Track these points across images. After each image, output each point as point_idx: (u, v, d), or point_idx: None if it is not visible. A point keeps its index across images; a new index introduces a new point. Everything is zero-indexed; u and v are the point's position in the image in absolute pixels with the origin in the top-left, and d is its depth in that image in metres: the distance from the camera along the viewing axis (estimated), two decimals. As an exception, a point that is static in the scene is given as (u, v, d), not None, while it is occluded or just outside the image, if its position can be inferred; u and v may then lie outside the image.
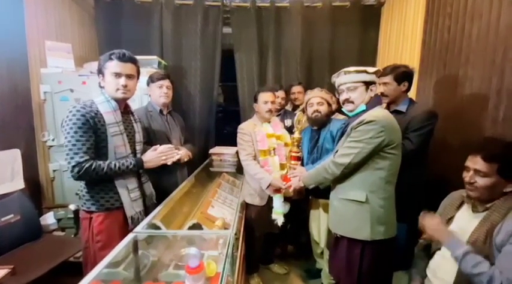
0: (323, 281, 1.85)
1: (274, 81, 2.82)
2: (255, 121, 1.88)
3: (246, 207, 1.95)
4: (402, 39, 2.33)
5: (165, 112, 1.90)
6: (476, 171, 1.00)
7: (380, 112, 1.18)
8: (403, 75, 1.56)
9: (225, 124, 3.76)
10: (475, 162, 1.00)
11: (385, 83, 1.55)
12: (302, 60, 2.81)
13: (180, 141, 1.95)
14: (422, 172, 1.56)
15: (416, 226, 1.38)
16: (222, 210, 1.72)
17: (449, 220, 1.19)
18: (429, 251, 1.24)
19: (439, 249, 1.18)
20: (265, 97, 1.80)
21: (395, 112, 1.53)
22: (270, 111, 1.81)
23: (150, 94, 1.92)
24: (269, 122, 1.87)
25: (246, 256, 1.93)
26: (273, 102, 1.83)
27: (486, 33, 1.49)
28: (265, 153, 1.77)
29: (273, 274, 2.10)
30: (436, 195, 1.35)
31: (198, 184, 2.10)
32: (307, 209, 1.91)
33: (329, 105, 1.76)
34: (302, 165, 1.71)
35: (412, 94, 2.14)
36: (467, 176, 1.03)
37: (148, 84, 1.89)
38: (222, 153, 2.47)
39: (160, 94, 1.82)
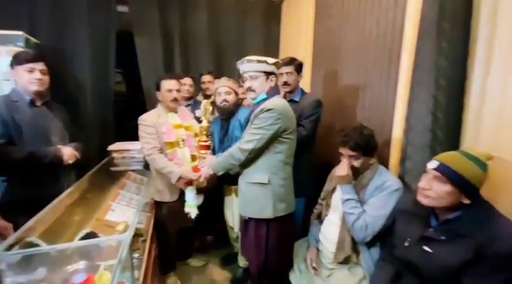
0: (239, 264, 1.94)
1: (182, 70, 2.67)
2: (159, 111, 1.73)
3: (155, 205, 1.80)
4: (299, 35, 2.60)
5: (38, 102, 1.51)
6: (350, 157, 1.27)
7: (278, 101, 1.28)
8: (300, 66, 1.74)
9: (129, 116, 3.33)
10: (347, 151, 1.27)
11: (288, 73, 1.69)
12: (212, 49, 2.76)
13: (63, 139, 1.60)
14: (313, 152, 1.81)
15: (312, 199, 1.61)
16: (126, 213, 1.53)
17: (333, 190, 1.44)
18: (320, 218, 1.47)
19: (327, 216, 1.41)
20: (168, 85, 1.67)
21: (291, 102, 1.71)
22: (176, 100, 1.70)
23: (15, 80, 1.48)
24: (176, 112, 1.76)
25: (160, 256, 1.81)
26: (178, 90, 1.72)
27: (355, 35, 1.82)
28: (173, 145, 1.67)
29: (191, 268, 2.05)
30: (324, 171, 1.60)
31: (93, 188, 1.79)
32: (222, 197, 1.94)
33: (236, 94, 1.79)
34: (215, 154, 1.70)
35: (306, 85, 2.43)
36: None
37: (12, 67, 1.45)
38: (125, 149, 2.19)
39: (30, 80, 1.43)
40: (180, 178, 1.58)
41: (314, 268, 1.33)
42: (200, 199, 1.74)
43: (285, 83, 1.69)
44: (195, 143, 1.66)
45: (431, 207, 0.95)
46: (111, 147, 2.16)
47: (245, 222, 1.40)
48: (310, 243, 1.45)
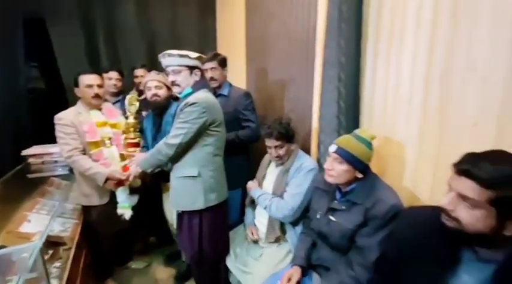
0: (184, 259, 1.94)
1: (112, 63, 2.48)
2: (78, 108, 1.59)
3: (83, 210, 1.68)
4: (234, 28, 2.64)
5: None
6: (275, 147, 1.40)
7: (202, 95, 1.31)
8: (224, 61, 1.78)
9: (50, 116, 2.96)
10: (273, 142, 1.39)
11: (212, 68, 1.72)
12: (143, 41, 2.62)
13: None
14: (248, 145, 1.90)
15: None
16: (46, 223, 1.40)
17: (265, 176, 1.56)
18: (254, 203, 1.57)
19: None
20: (87, 80, 1.55)
21: (220, 96, 1.75)
22: (98, 96, 1.59)
23: None
24: (99, 109, 1.65)
25: (93, 264, 1.70)
26: (100, 86, 1.61)
27: (279, 32, 1.94)
28: (98, 144, 1.57)
29: (132, 271, 1.98)
30: (259, 162, 1.70)
31: (4, 199, 1.59)
32: (160, 196, 1.90)
33: (168, 88, 1.76)
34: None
35: (241, 79, 2.51)
36: (273, 152, 1.42)
37: None
38: (45, 153, 1.96)
39: None
40: (107, 179, 1.50)
41: (255, 241, 1.45)
42: (134, 200, 1.68)
43: (211, 78, 1.72)
44: (122, 141, 1.59)
45: (341, 185, 1.11)
46: (26, 152, 1.91)
47: (179, 216, 1.42)
48: (246, 225, 1.55)
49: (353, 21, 1.26)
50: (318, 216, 1.18)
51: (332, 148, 1.09)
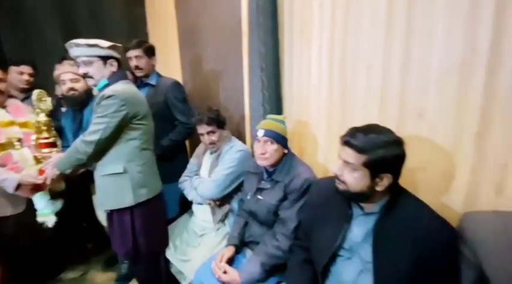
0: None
1: (19, 55, 2.15)
2: (-26, 108, 1.36)
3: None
4: (165, 18, 2.53)
5: None
6: (208, 133, 1.43)
7: (120, 87, 1.23)
8: (151, 49, 1.69)
9: None
10: (205, 128, 1.42)
11: (137, 56, 1.63)
12: (61, 30, 2.32)
13: None
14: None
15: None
16: None
17: (201, 164, 1.59)
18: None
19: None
20: (-18, 74, 1.33)
21: (149, 86, 1.69)
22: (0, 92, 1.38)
23: None
24: (3, 107, 1.44)
25: (11, 281, 1.51)
26: (2, 80, 1.40)
27: (211, 23, 1.95)
28: (4, 147, 1.37)
29: (67, 282, 1.82)
30: (192, 152, 1.71)
31: None
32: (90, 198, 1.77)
33: (87, 80, 1.61)
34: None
35: (176, 68, 2.45)
36: (206, 138, 1.45)
37: None
38: None
39: None
40: (19, 185, 1.34)
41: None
42: (58, 205, 1.52)
43: (137, 67, 1.64)
44: (34, 142, 1.42)
45: (268, 166, 1.19)
46: None
47: (108, 215, 1.35)
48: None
49: (269, 13, 1.35)
50: (248, 197, 1.27)
51: (260, 132, 1.17)
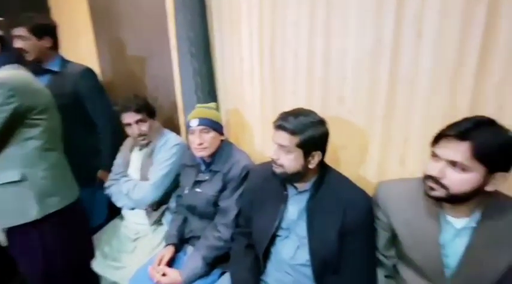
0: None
1: None
2: None
3: None
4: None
5: None
6: (137, 122, 1.26)
7: (7, 73, 0.97)
8: (41, 28, 1.33)
9: None
10: (133, 116, 1.25)
11: (20, 36, 1.28)
12: None
13: None
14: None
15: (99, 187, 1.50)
16: None
17: (128, 163, 1.42)
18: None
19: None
20: None
21: (50, 73, 1.39)
22: None
23: None
24: None
25: None
26: None
27: (131, 4, 1.72)
28: None
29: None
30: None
31: None
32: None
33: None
34: None
35: (91, 53, 2.10)
36: (135, 129, 1.27)
37: None
38: None
39: None
40: None
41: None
42: None
43: (21, 50, 1.28)
44: None
45: (206, 157, 1.13)
46: None
47: (8, 234, 1.09)
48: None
49: (195, -6, 1.26)
50: (186, 191, 1.20)
51: (194, 122, 1.10)
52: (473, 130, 0.64)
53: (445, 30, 0.79)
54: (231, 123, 1.42)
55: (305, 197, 0.90)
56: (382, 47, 0.90)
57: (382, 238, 0.85)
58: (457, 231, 0.72)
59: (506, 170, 0.64)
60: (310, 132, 0.81)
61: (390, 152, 0.96)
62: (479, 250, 0.69)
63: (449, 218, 0.73)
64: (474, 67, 0.77)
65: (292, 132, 0.81)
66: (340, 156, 1.08)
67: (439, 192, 0.69)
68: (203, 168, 1.19)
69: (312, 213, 0.87)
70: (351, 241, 0.82)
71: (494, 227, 0.68)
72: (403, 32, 0.86)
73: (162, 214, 1.37)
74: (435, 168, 0.69)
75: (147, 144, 1.35)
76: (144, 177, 1.33)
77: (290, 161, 0.83)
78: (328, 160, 0.93)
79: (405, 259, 0.81)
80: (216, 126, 1.12)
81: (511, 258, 0.67)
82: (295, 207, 0.91)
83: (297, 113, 0.84)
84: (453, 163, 0.66)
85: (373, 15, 0.90)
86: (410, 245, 0.78)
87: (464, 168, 0.65)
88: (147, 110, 1.29)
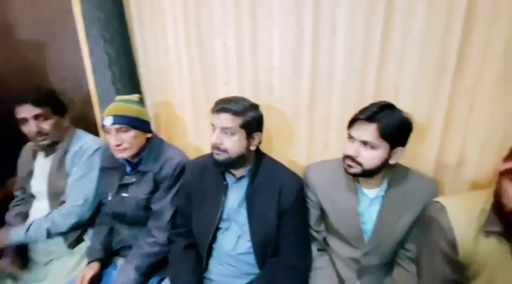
0: None
1: None
2: None
3: None
4: None
5: None
6: (35, 118, 1.03)
7: None
8: None
9: None
10: (30, 111, 1.02)
11: None
12: None
13: None
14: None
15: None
16: None
17: (31, 173, 1.15)
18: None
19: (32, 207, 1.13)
20: None
21: None
22: None
23: None
24: None
25: None
26: None
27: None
28: None
29: None
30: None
31: None
32: None
33: None
34: None
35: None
36: (32, 126, 1.03)
37: None
38: None
39: None
40: None
41: None
42: None
43: None
44: None
45: (130, 157, 1.00)
46: None
47: None
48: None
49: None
50: (110, 198, 1.05)
51: (108, 121, 0.95)
52: (378, 113, 0.75)
53: (353, 27, 0.89)
54: (161, 116, 1.31)
55: (244, 184, 0.90)
56: (304, 39, 0.96)
57: (313, 215, 0.93)
58: (370, 200, 0.85)
59: (403, 145, 0.78)
60: (251, 114, 0.84)
61: (315, 138, 1.05)
62: (388, 214, 0.82)
63: (364, 190, 0.85)
64: (376, 59, 0.90)
65: (235, 113, 0.81)
66: (274, 144, 1.13)
67: (355, 169, 0.79)
68: (128, 169, 1.06)
69: (251, 198, 0.88)
70: (287, 220, 0.87)
71: (397, 193, 0.83)
72: (320, 27, 0.93)
73: (84, 230, 1.16)
74: (351, 148, 0.78)
75: (51, 147, 1.11)
76: (53, 190, 1.11)
77: (234, 143, 0.83)
78: (264, 147, 0.95)
79: (332, 230, 0.91)
80: (137, 124, 0.98)
81: (412, 216, 0.82)
82: (235, 195, 0.91)
83: (234, 98, 0.86)
84: (365, 143, 0.76)
85: (294, 7, 0.95)
86: (335, 217, 0.88)
87: (373, 146, 0.76)
88: (52, 105, 1.06)
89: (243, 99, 0.87)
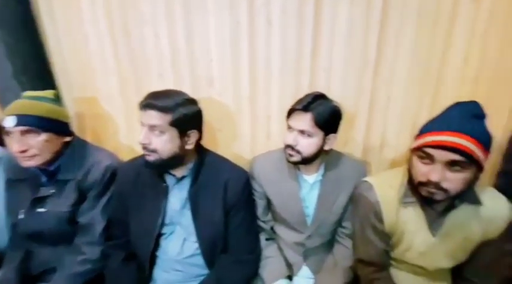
0: None
1: None
2: None
3: None
4: None
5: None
6: None
7: None
8: None
9: None
10: None
11: None
12: None
13: None
14: None
15: None
16: None
17: None
18: None
19: None
20: None
21: None
22: None
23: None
24: None
25: None
26: None
27: None
28: None
29: None
30: None
31: None
32: None
33: None
34: None
35: None
36: None
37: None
38: None
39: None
40: None
41: None
42: None
43: None
44: None
45: (44, 165, 0.84)
46: None
47: None
48: None
49: None
50: (22, 215, 0.87)
51: (10, 122, 0.77)
52: (312, 103, 0.79)
53: (286, 19, 0.91)
54: (84, 115, 1.13)
55: (186, 184, 0.85)
56: (241, 31, 0.94)
57: (260, 206, 0.94)
58: (310, 185, 0.89)
59: (335, 132, 0.84)
60: (183, 110, 0.75)
61: (258, 129, 1.06)
62: (327, 196, 0.88)
63: (305, 176, 0.89)
64: (309, 51, 0.94)
65: (163, 109, 0.73)
66: (218, 138, 1.09)
67: (296, 157, 0.82)
68: (44, 179, 0.89)
69: (195, 198, 0.84)
70: (234, 215, 0.85)
71: (333, 176, 0.89)
72: (256, 19, 0.93)
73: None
74: (290, 138, 0.81)
75: None
76: None
77: (164, 143, 0.75)
78: (207, 143, 0.91)
79: (278, 218, 0.94)
80: (49, 125, 0.82)
81: (346, 196, 0.88)
82: (177, 197, 0.85)
83: (166, 92, 0.78)
84: (302, 132, 0.80)
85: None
86: (280, 205, 0.90)
87: (309, 134, 0.79)
88: None
89: (177, 93, 0.79)
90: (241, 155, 1.09)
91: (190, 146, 0.80)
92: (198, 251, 0.85)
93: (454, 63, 0.90)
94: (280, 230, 0.95)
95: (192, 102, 0.81)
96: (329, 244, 0.94)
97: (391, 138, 1.01)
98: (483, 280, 0.75)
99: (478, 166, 0.61)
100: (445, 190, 0.62)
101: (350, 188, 0.88)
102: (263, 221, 0.95)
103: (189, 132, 0.78)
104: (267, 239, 0.95)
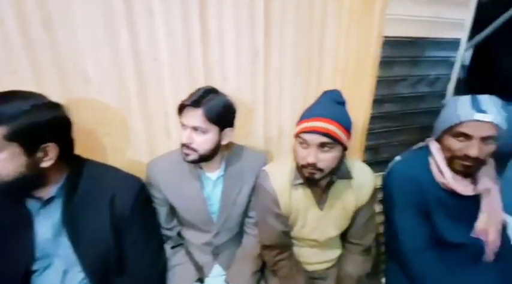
0: None
1: None
2: None
3: None
4: None
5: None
6: None
7: None
8: None
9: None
10: None
11: None
12: None
13: None
14: None
15: None
16: None
17: None
18: None
19: None
20: None
21: None
22: None
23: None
24: None
25: None
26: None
27: None
28: None
29: None
30: None
31: None
32: None
33: None
34: None
35: None
36: None
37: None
38: None
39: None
40: None
41: None
42: None
43: None
44: None
45: None
46: None
47: None
48: None
49: None
50: None
51: None
52: (203, 98, 0.76)
53: (170, 10, 0.85)
54: None
55: (56, 206, 0.69)
56: (118, 20, 0.82)
57: (162, 213, 0.87)
58: (213, 182, 0.87)
59: (231, 126, 0.84)
60: (25, 120, 0.58)
61: (155, 128, 0.96)
62: (230, 190, 0.88)
63: (207, 174, 0.87)
64: (199, 44, 0.90)
65: None
66: (106, 143, 0.94)
67: (192, 156, 0.78)
68: None
69: (72, 221, 0.69)
70: (127, 232, 0.74)
71: (235, 170, 0.89)
72: (134, 8, 0.83)
73: None
74: (184, 135, 0.76)
75: None
76: None
77: (4, 162, 0.58)
78: (93, 151, 0.76)
79: (184, 222, 0.89)
80: None
81: (249, 187, 0.90)
82: (46, 224, 0.68)
83: (8, 95, 0.60)
84: (195, 129, 0.76)
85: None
86: (184, 208, 0.85)
87: (203, 131, 0.76)
88: None
89: (24, 96, 0.61)
90: (138, 159, 0.97)
91: (48, 163, 0.63)
92: (85, 281, 0.71)
93: (328, 56, 1.02)
94: (188, 233, 0.90)
95: (49, 106, 0.64)
96: (238, 237, 0.95)
97: (286, 126, 1.09)
98: (363, 240, 0.89)
99: (343, 146, 0.71)
100: (321, 170, 0.70)
101: (253, 179, 0.90)
102: (168, 229, 0.88)
103: (43, 146, 0.62)
104: (173, 247, 0.89)
